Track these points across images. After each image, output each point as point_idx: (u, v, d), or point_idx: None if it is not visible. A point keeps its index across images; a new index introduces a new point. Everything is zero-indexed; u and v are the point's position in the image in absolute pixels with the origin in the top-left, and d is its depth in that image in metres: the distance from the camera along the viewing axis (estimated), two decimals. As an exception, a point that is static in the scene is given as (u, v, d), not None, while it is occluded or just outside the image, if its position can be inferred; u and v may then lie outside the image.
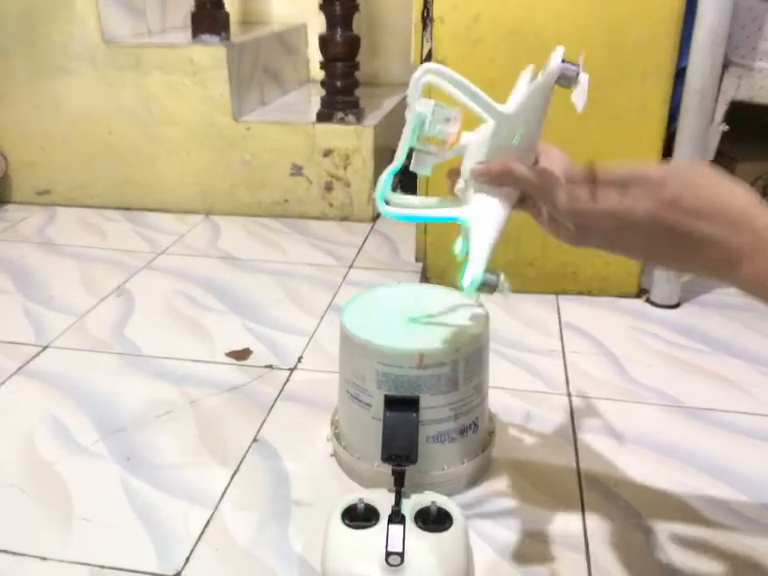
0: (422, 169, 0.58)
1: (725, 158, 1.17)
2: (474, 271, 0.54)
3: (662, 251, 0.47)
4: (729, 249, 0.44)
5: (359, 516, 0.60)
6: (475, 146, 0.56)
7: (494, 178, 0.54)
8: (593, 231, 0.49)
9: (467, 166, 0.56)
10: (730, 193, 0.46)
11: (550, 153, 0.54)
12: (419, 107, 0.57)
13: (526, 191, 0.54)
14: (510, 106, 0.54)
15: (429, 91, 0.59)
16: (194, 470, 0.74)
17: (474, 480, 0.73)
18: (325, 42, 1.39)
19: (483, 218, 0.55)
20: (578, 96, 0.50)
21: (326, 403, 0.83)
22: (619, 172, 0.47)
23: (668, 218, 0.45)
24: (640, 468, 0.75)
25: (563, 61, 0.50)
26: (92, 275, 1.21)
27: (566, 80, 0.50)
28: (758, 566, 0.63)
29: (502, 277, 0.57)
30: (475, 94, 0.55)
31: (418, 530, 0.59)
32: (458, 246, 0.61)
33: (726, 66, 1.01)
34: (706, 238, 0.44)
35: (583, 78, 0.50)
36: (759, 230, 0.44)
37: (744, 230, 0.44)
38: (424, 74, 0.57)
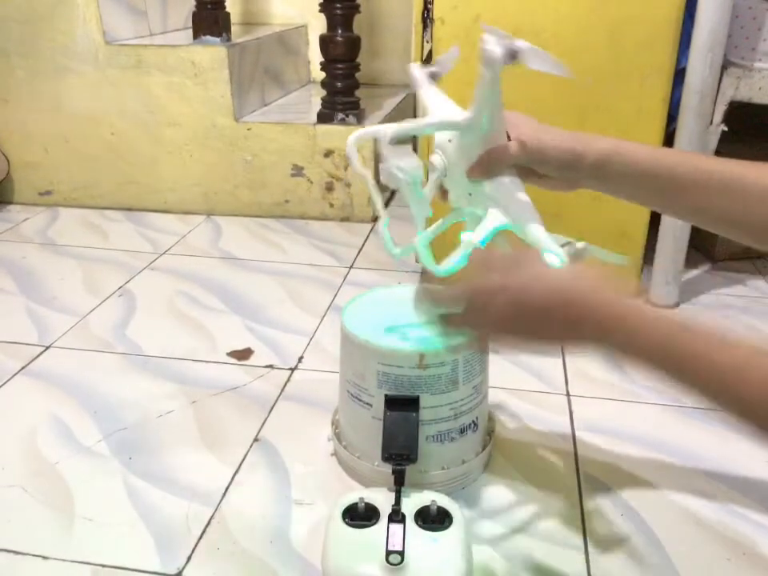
0: (423, 211, 0.60)
1: (724, 158, 1.17)
2: (555, 254, 0.55)
3: (529, 343, 0.55)
4: (584, 339, 0.50)
5: (360, 515, 0.61)
6: (455, 158, 0.57)
7: (488, 171, 0.56)
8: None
9: (456, 175, 0.57)
10: (571, 285, 0.51)
11: (514, 119, 0.56)
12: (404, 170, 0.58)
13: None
14: (464, 112, 0.55)
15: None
16: (196, 470, 0.74)
17: (474, 479, 0.73)
18: (325, 43, 1.40)
19: (520, 208, 0.56)
20: (537, 62, 0.49)
21: (327, 403, 0.83)
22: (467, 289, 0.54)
23: (510, 326, 0.52)
24: (639, 468, 0.75)
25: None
26: (94, 275, 1.21)
27: (508, 58, 0.49)
28: (758, 566, 0.63)
29: (579, 244, 0.57)
30: (428, 126, 0.57)
31: (418, 529, 0.59)
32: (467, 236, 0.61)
33: (725, 66, 1.01)
34: (550, 335, 0.52)
35: (522, 44, 0.49)
36: (602, 318, 0.49)
37: (586, 322, 0.49)
38: (355, 143, 0.59)
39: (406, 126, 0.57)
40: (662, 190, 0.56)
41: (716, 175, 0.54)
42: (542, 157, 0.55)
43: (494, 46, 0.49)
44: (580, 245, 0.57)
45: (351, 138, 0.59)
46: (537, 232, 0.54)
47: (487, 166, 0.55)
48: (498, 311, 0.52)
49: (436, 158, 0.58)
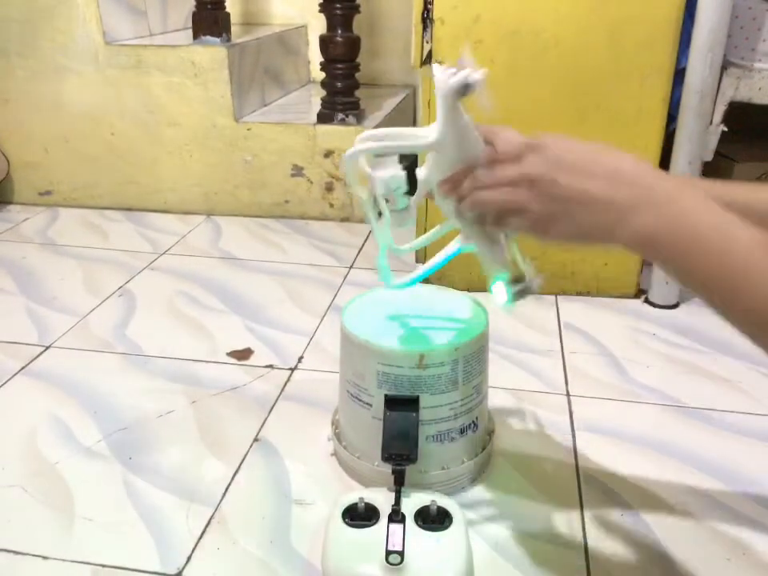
0: (406, 224, 0.60)
1: (724, 158, 1.17)
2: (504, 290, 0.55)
3: (558, 215, 0.48)
4: (617, 203, 0.45)
5: (359, 515, 0.61)
6: (434, 175, 0.57)
7: (452, 193, 0.55)
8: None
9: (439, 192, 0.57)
10: (616, 156, 0.48)
11: (503, 134, 0.53)
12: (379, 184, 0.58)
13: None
14: (432, 131, 0.54)
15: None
16: (196, 470, 0.74)
17: (474, 479, 0.73)
18: (325, 43, 1.40)
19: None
20: (482, 99, 0.50)
21: (327, 403, 0.83)
22: (512, 147, 0.50)
23: (553, 177, 0.47)
24: (639, 468, 0.75)
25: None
26: (94, 275, 1.21)
27: (459, 93, 0.50)
28: (758, 566, 0.63)
29: (534, 281, 0.57)
30: (400, 147, 0.56)
31: (418, 529, 0.59)
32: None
33: (725, 66, 1.01)
34: (593, 194, 0.46)
35: (478, 77, 0.49)
36: (644, 186, 0.45)
37: (629, 186, 0.45)
38: (350, 159, 0.57)
39: (371, 146, 0.56)
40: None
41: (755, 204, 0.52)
42: None
43: (446, 81, 0.50)
44: (535, 282, 0.57)
45: (346, 155, 0.58)
46: (495, 260, 0.55)
47: (452, 184, 0.54)
48: (532, 165, 0.48)
49: (420, 170, 0.58)
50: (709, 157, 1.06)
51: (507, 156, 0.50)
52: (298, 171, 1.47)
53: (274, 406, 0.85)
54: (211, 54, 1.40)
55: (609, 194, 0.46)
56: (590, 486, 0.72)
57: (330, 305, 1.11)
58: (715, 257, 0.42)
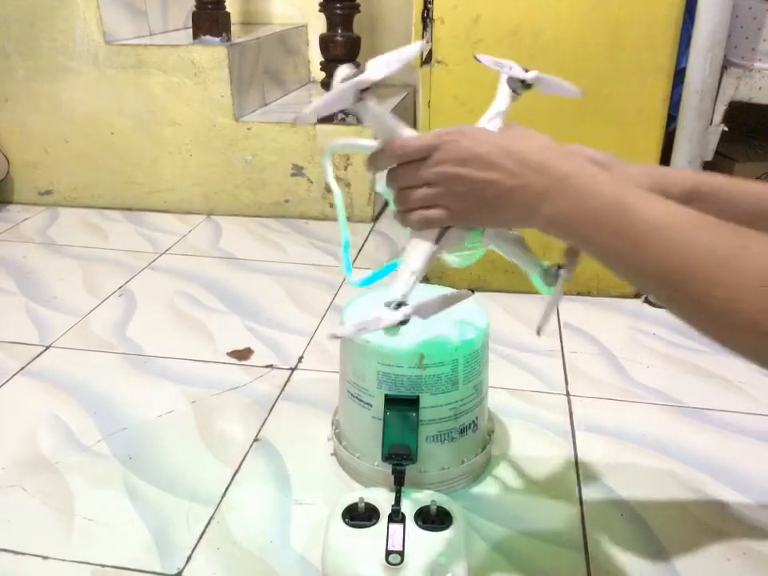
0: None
1: (724, 158, 1.17)
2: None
3: (472, 208, 0.49)
4: (523, 191, 0.46)
5: (360, 515, 0.61)
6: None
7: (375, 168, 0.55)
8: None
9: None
10: (522, 141, 0.48)
11: (399, 139, 0.53)
12: (380, 188, 0.57)
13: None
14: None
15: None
16: (196, 470, 0.74)
17: (474, 479, 0.73)
18: (325, 43, 1.40)
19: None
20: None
21: (327, 403, 0.83)
22: (419, 144, 0.50)
23: (460, 172, 0.48)
24: (639, 468, 0.75)
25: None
26: (94, 275, 1.21)
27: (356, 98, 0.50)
28: (758, 566, 0.63)
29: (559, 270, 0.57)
30: (363, 146, 0.56)
31: (418, 529, 0.59)
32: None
33: (725, 66, 1.01)
34: (495, 185, 0.47)
35: (366, 78, 0.49)
36: (552, 173, 0.45)
37: (535, 172, 0.46)
38: (327, 155, 0.60)
39: (344, 142, 0.61)
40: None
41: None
42: None
43: (337, 84, 0.50)
44: (562, 271, 0.57)
45: (327, 147, 0.59)
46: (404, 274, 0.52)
47: (373, 159, 0.53)
48: (436, 164, 0.49)
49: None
50: (709, 157, 1.06)
51: (410, 158, 0.50)
52: (298, 171, 1.47)
53: (273, 406, 0.85)
54: (211, 53, 1.40)
55: (515, 183, 0.46)
56: (590, 486, 0.72)
57: (329, 305, 1.11)
58: (614, 227, 0.43)
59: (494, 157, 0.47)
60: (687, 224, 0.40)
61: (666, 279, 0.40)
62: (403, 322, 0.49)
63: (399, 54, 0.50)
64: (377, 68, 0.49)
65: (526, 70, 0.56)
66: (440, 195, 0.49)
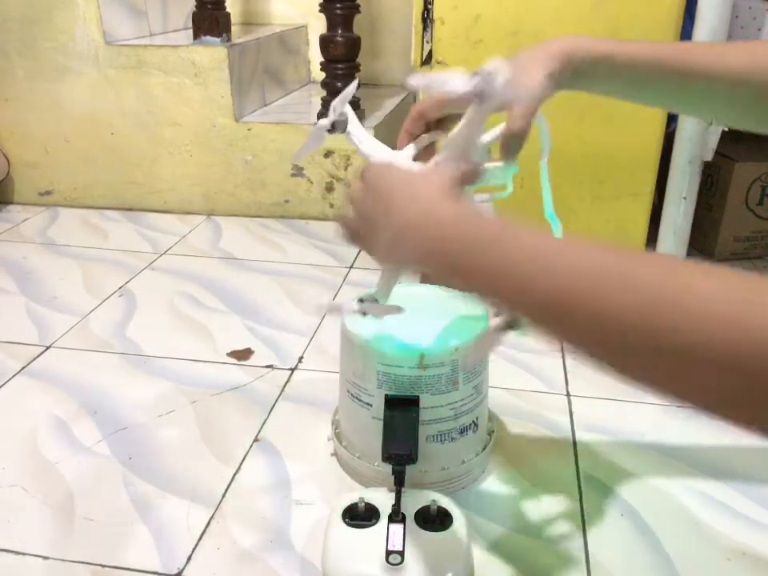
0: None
1: (724, 158, 1.17)
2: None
3: (367, 238, 0.52)
4: (393, 228, 0.47)
5: (360, 515, 0.61)
6: None
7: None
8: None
9: None
10: (402, 182, 0.49)
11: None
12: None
13: None
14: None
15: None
16: (196, 470, 0.74)
17: (474, 479, 0.73)
18: (325, 43, 1.40)
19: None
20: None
21: (327, 403, 0.83)
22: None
23: (364, 200, 0.50)
24: (639, 468, 0.75)
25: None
26: (94, 276, 1.21)
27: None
28: (758, 566, 0.63)
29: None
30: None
31: (419, 529, 0.59)
32: None
33: (725, 66, 1.01)
34: (378, 220, 0.49)
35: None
36: (415, 210, 0.46)
37: (402, 211, 0.47)
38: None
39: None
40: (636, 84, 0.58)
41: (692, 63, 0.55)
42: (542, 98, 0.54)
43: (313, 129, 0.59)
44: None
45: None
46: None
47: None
48: (358, 195, 0.52)
49: None
50: (709, 157, 1.06)
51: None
52: (298, 171, 1.47)
53: (274, 406, 0.85)
54: (211, 53, 1.40)
55: (387, 220, 0.48)
56: (590, 486, 0.72)
57: (326, 308, 1.11)
58: (480, 260, 0.41)
59: (385, 191, 0.49)
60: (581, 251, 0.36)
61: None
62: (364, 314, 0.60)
63: (343, 96, 0.59)
64: (331, 111, 0.60)
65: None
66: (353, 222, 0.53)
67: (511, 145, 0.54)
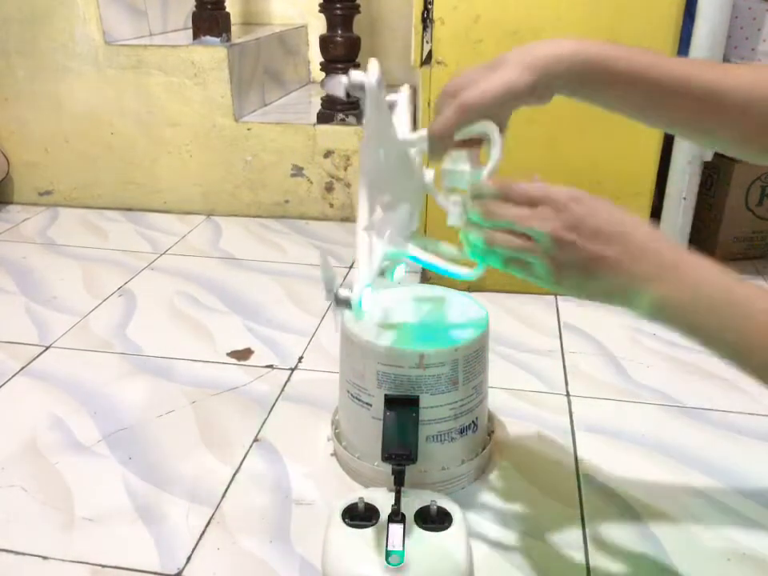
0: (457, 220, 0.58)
1: (723, 158, 1.17)
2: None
3: (566, 274, 0.48)
4: (630, 275, 0.46)
5: (359, 515, 0.61)
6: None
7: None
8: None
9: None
10: (633, 224, 0.47)
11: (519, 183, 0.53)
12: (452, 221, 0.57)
13: None
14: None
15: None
16: (196, 470, 0.74)
17: (474, 479, 0.73)
18: (325, 43, 1.40)
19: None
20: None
21: (327, 403, 0.83)
22: (529, 190, 0.49)
23: (568, 239, 0.47)
24: (639, 468, 0.75)
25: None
26: (94, 275, 1.21)
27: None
28: (758, 566, 0.63)
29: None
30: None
31: (418, 530, 0.59)
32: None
33: (725, 66, 1.01)
34: (607, 262, 0.46)
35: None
36: (661, 261, 0.46)
37: (645, 258, 0.46)
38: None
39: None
40: (641, 102, 0.54)
41: (693, 82, 0.52)
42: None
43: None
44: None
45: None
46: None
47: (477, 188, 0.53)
48: (550, 220, 0.47)
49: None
50: (709, 157, 1.06)
51: (521, 198, 0.49)
52: (298, 171, 1.47)
53: (273, 406, 0.85)
54: (211, 53, 1.40)
55: (623, 265, 0.46)
56: (590, 486, 0.72)
57: (329, 305, 1.10)
58: (725, 319, 0.44)
59: (606, 231, 0.46)
60: None
61: None
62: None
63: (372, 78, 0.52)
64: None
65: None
66: (536, 252, 0.48)
67: (431, 146, 0.53)
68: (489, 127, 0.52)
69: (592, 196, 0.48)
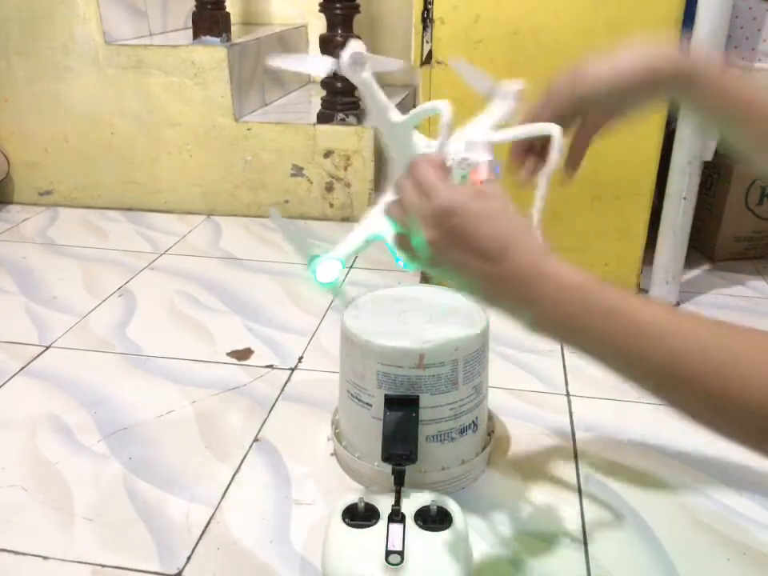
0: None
1: (724, 158, 1.17)
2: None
3: (441, 269, 0.47)
4: (503, 296, 0.45)
5: (359, 515, 0.61)
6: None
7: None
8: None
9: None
10: (516, 232, 0.45)
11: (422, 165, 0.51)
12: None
13: None
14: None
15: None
16: (196, 470, 0.74)
17: (474, 479, 0.73)
18: (325, 43, 1.40)
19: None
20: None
21: (327, 403, 0.83)
22: (422, 178, 0.46)
23: (439, 246, 0.45)
24: (639, 468, 0.75)
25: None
26: (94, 275, 1.21)
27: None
28: (758, 566, 0.63)
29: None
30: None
31: (418, 529, 0.59)
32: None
33: (725, 66, 1.01)
34: (481, 275, 0.44)
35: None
36: (545, 275, 0.43)
37: (513, 282, 0.44)
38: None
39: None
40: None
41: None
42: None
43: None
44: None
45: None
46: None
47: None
48: (436, 232, 0.45)
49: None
50: (709, 157, 1.06)
51: (414, 182, 0.47)
52: (298, 171, 1.47)
53: (273, 406, 0.85)
54: (211, 54, 1.40)
55: (498, 286, 0.45)
56: (590, 486, 0.72)
57: (330, 305, 1.11)
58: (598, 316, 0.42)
59: (481, 248, 0.44)
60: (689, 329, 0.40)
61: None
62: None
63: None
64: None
65: None
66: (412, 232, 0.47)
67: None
68: (554, 130, 0.54)
69: (477, 201, 0.45)
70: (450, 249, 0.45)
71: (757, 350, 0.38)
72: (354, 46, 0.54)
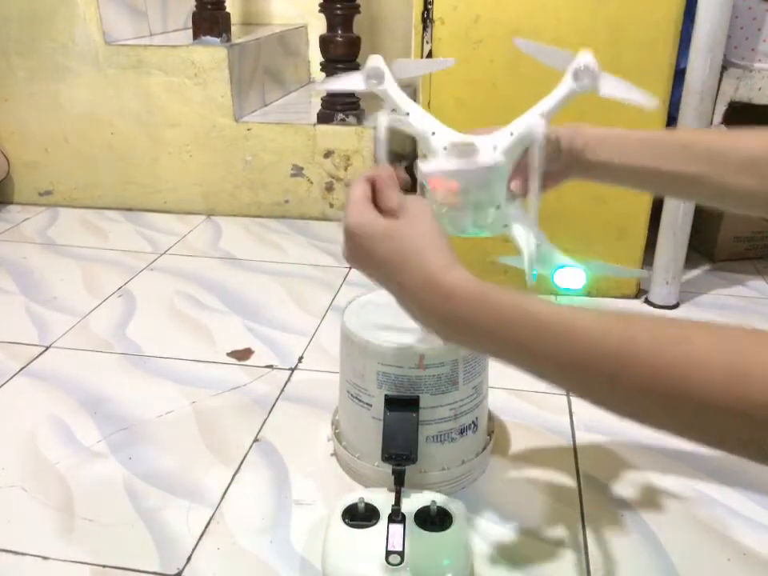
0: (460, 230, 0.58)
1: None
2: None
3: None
4: (411, 312, 0.46)
5: (359, 515, 0.61)
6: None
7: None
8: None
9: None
10: (414, 251, 0.46)
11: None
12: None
13: None
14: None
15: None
16: (196, 470, 0.74)
17: (474, 479, 0.73)
18: (325, 43, 1.40)
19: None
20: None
21: (327, 403, 0.83)
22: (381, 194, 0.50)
23: (360, 266, 0.49)
24: (639, 467, 0.75)
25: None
26: (94, 276, 1.21)
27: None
28: (758, 566, 0.63)
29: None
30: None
31: (418, 530, 0.59)
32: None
33: (725, 66, 1.01)
34: (390, 288, 0.47)
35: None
36: (440, 288, 0.44)
37: (424, 288, 0.45)
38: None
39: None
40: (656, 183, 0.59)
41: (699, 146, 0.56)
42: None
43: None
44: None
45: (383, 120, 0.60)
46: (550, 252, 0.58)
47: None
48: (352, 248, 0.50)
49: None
50: (709, 157, 1.05)
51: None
52: (298, 171, 1.47)
53: (273, 406, 0.85)
54: (211, 53, 1.40)
55: (403, 300, 0.47)
56: (590, 486, 0.72)
57: (329, 305, 1.11)
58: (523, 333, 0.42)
59: (383, 270, 0.47)
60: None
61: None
62: None
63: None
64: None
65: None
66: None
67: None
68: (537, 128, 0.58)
69: (376, 228, 0.47)
70: (359, 265, 0.50)
71: (664, 337, 0.37)
72: (372, 61, 0.58)
